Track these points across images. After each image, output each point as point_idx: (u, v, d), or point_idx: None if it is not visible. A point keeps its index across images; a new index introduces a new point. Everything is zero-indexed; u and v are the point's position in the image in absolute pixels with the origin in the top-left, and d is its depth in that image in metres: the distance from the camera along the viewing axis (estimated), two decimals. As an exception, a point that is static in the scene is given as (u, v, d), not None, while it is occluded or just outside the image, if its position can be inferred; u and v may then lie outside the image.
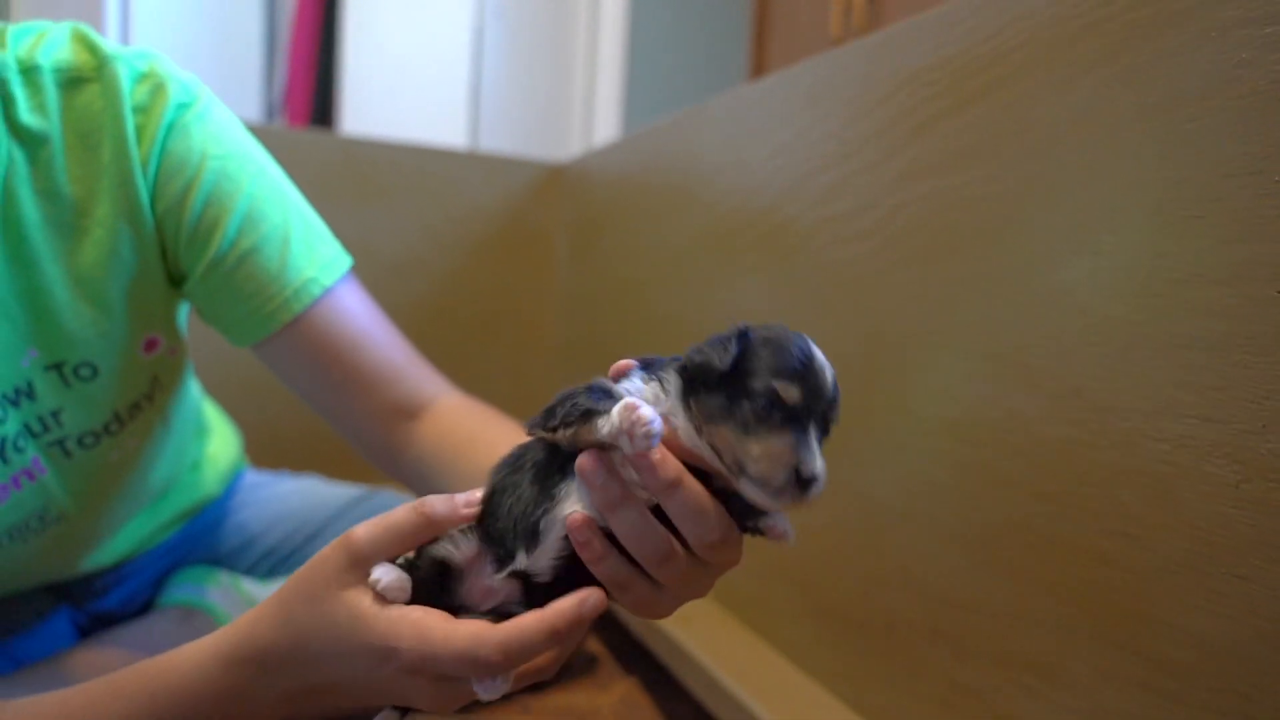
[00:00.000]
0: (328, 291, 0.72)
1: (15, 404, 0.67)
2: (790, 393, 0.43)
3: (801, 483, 0.42)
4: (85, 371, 0.69)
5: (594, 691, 1.05)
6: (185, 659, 0.51)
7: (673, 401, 0.46)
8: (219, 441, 1.03)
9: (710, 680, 0.87)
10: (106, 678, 0.53)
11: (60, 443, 0.71)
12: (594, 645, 1.19)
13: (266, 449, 1.24)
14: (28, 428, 0.69)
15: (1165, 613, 0.51)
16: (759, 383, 0.43)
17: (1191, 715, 0.50)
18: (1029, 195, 0.62)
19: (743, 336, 0.45)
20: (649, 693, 1.07)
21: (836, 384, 0.45)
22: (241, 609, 0.92)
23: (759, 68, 2.61)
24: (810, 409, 0.43)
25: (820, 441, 0.44)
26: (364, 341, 0.74)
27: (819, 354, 0.45)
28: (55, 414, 0.70)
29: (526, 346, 1.72)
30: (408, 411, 0.75)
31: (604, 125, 2.74)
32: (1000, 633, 0.63)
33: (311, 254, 0.72)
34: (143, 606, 0.95)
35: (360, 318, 0.74)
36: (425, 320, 1.61)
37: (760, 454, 0.42)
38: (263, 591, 0.95)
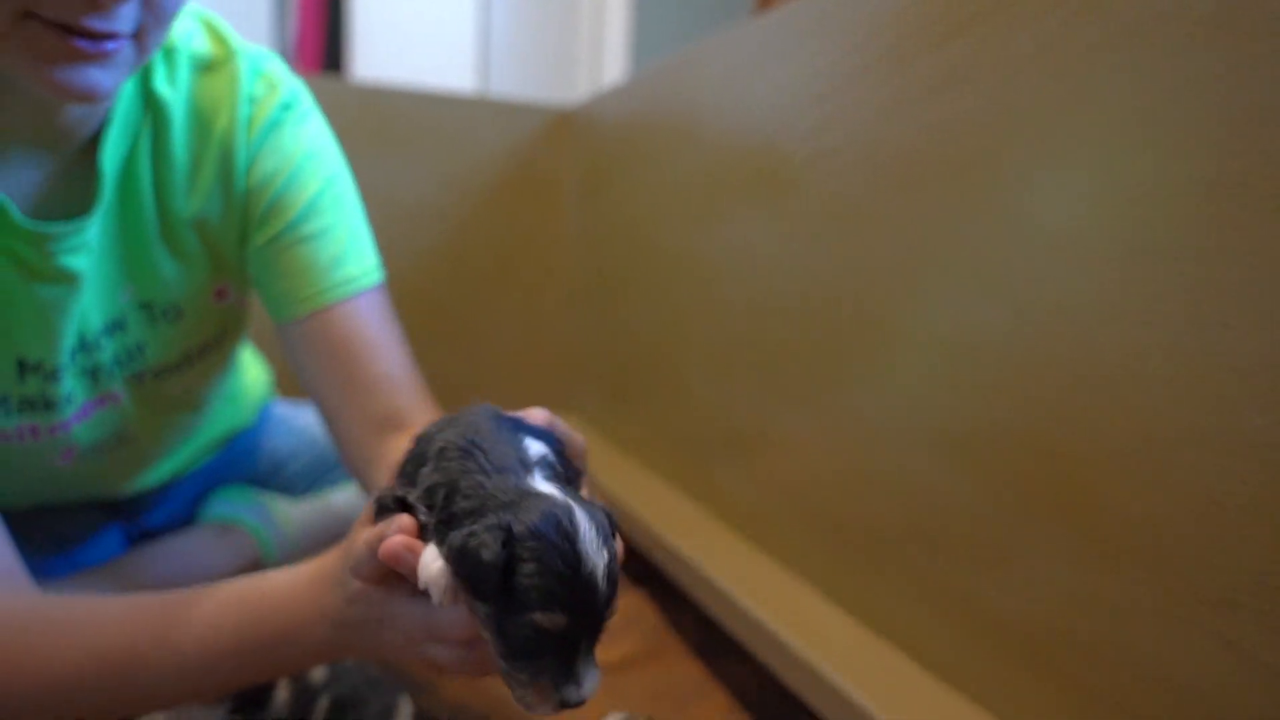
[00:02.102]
0: (358, 294, 0.78)
1: (111, 334, 0.76)
2: (556, 622, 0.39)
3: (565, 705, 0.40)
4: (171, 313, 0.79)
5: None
6: (278, 573, 0.61)
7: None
8: (252, 375, 1.11)
9: (711, 587, 0.94)
10: (204, 586, 0.62)
11: (140, 374, 0.80)
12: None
13: (293, 382, 1.30)
14: (117, 356, 0.78)
15: (1111, 497, 0.57)
16: (521, 613, 0.39)
17: (1130, 583, 0.56)
18: (1006, 123, 0.66)
19: (507, 543, 0.40)
20: (654, 602, 1.14)
21: (610, 578, 0.40)
22: (274, 525, 1.00)
23: (766, 3, 2.60)
24: (578, 629, 0.40)
25: (593, 645, 0.41)
26: (377, 352, 0.78)
27: (588, 550, 0.39)
28: (140, 347, 0.79)
29: (538, 290, 1.77)
30: (395, 425, 0.78)
31: (612, 66, 2.75)
32: (970, 527, 0.69)
33: (355, 259, 0.78)
34: (184, 523, 1.02)
35: (379, 329, 0.79)
36: (439, 266, 1.66)
37: (523, 687, 0.41)
38: (294, 509, 1.03)
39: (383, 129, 1.60)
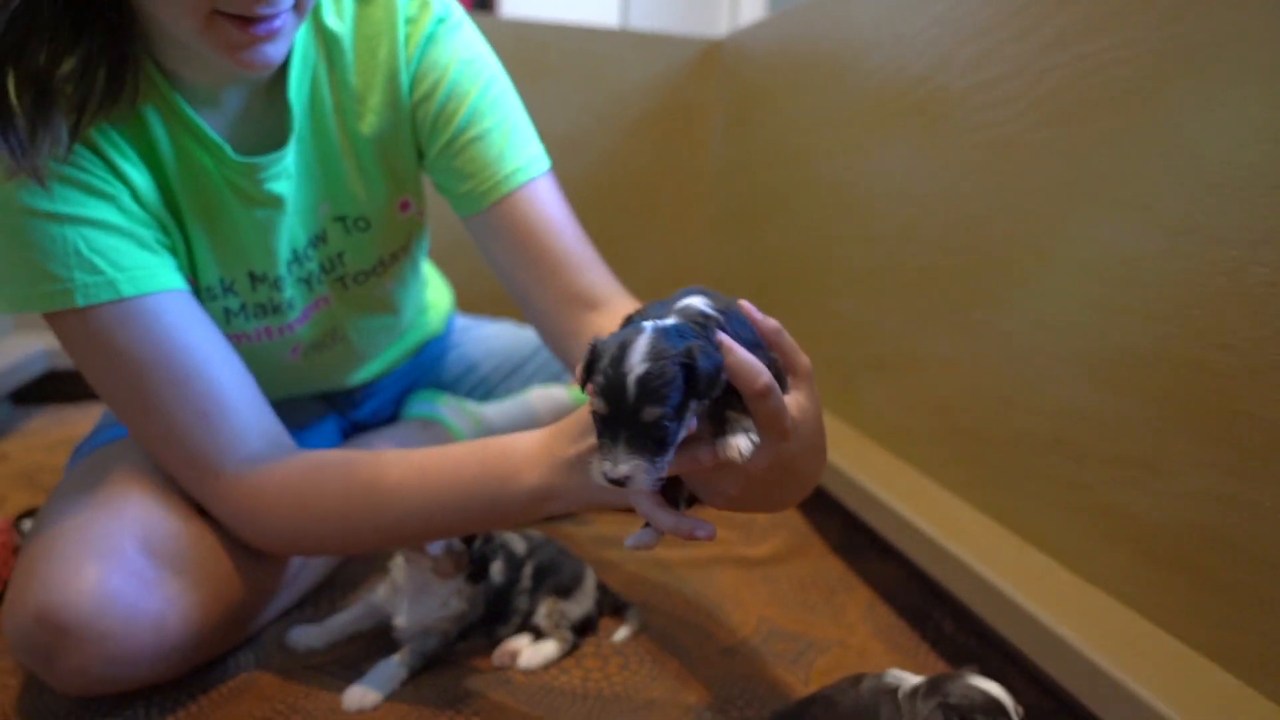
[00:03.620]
0: (531, 181, 0.86)
1: (315, 247, 0.89)
2: (598, 406, 0.50)
3: (605, 476, 0.50)
4: (361, 224, 0.90)
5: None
6: (515, 434, 0.73)
7: None
8: (436, 291, 1.24)
9: (858, 489, 1.02)
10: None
11: (342, 279, 0.93)
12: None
13: (471, 299, 1.44)
14: (322, 265, 0.90)
15: (1252, 407, 0.62)
16: (594, 401, 0.51)
17: (1262, 487, 0.61)
18: (1166, 56, 0.69)
19: (591, 350, 0.52)
20: (800, 507, 1.24)
21: (645, 384, 0.48)
22: (467, 422, 1.14)
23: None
24: (616, 418, 0.49)
25: (638, 440, 0.50)
26: (556, 230, 0.86)
27: (632, 361, 0.49)
28: (340, 255, 0.91)
29: (683, 218, 1.85)
30: (587, 302, 0.87)
31: (751, 4, 2.75)
32: (1112, 437, 0.75)
33: (522, 150, 0.86)
34: (387, 419, 1.18)
35: (555, 211, 0.88)
36: (588, 195, 1.76)
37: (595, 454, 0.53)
38: (482, 409, 1.16)
39: (534, 62, 1.68)
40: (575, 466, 0.67)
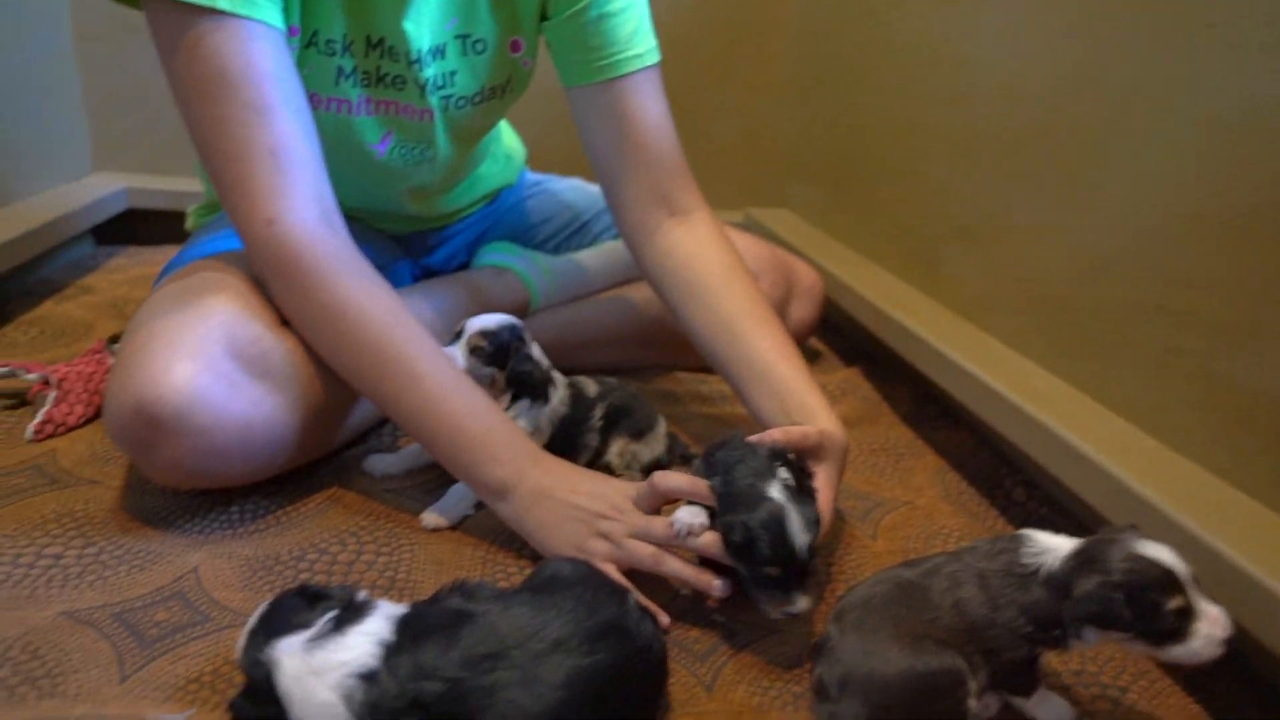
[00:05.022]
0: (645, 70, 0.90)
1: (434, 58, 0.90)
2: (774, 571, 0.65)
3: (788, 614, 0.66)
4: (480, 46, 0.92)
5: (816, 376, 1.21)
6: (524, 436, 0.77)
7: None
8: (513, 144, 1.23)
9: (935, 354, 1.00)
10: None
11: (447, 99, 0.93)
12: (816, 344, 1.35)
13: (541, 156, 1.42)
14: (435, 80, 0.91)
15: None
16: (759, 568, 0.65)
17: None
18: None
19: (746, 530, 0.64)
20: (869, 377, 1.23)
21: (811, 546, 0.65)
22: (539, 272, 1.13)
23: None
24: (789, 574, 0.65)
25: (802, 580, 0.66)
26: (658, 125, 0.91)
27: (794, 533, 0.64)
28: (452, 74, 0.92)
29: (759, 79, 1.78)
30: (671, 207, 0.91)
31: None
32: (1219, 303, 0.71)
33: (644, 39, 0.91)
34: (459, 267, 1.18)
35: (660, 106, 0.91)
36: (664, 53, 1.69)
37: (769, 604, 0.66)
38: (553, 261, 1.16)
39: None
40: (552, 506, 0.72)
